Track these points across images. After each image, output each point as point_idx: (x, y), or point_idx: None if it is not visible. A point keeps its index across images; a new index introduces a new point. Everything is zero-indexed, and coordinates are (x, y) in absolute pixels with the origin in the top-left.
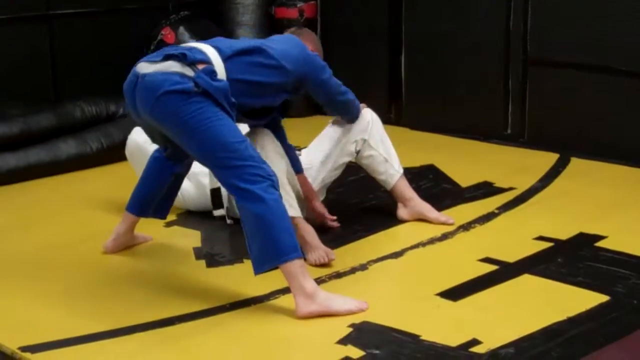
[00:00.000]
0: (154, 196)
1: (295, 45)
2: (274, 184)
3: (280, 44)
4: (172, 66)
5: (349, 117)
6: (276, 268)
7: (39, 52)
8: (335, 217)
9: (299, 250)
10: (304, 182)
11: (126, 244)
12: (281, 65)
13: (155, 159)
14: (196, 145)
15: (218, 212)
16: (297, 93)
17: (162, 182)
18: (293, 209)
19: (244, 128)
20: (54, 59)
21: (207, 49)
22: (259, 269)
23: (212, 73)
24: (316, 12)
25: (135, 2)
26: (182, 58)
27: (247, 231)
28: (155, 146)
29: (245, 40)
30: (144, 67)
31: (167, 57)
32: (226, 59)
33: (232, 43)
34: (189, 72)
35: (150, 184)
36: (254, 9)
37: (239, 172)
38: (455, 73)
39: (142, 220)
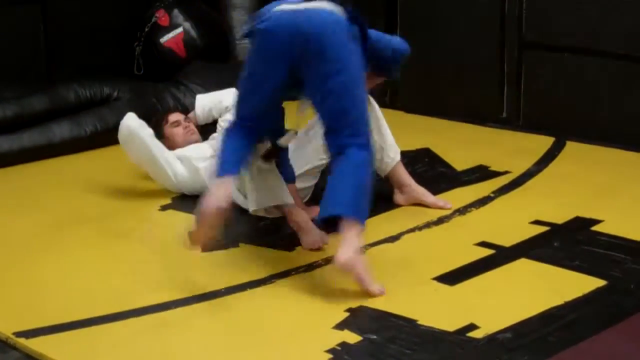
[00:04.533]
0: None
1: None
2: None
3: None
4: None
5: None
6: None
7: (33, 34)
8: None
9: None
10: None
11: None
12: None
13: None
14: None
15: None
16: None
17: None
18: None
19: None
20: (48, 41)
21: None
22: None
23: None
24: None
25: None
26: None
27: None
28: (148, 130)
29: None
30: (298, 4)
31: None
32: None
33: None
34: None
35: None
36: None
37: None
38: (451, 56)
39: (135, 204)
